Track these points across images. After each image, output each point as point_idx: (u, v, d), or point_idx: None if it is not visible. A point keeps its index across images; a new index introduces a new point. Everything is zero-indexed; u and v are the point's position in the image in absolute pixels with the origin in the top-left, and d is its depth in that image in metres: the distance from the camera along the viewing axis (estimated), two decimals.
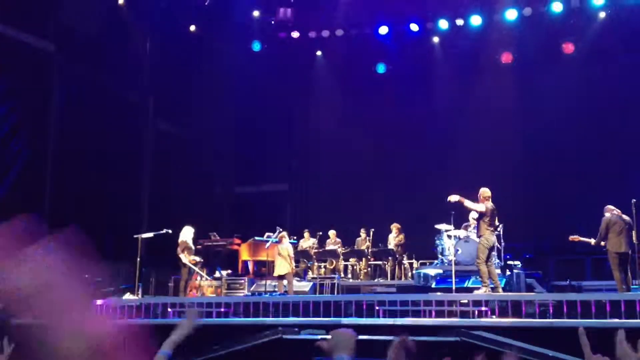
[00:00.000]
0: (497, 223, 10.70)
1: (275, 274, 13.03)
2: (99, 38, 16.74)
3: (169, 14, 18.29)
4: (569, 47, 17.36)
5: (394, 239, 14.78)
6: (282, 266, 12.79)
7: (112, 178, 16.90)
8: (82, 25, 16.56)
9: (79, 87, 16.65)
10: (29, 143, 15.76)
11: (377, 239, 15.25)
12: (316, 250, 15.07)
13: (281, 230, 14.11)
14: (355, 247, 15.22)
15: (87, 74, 16.75)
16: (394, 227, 14.86)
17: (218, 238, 15.35)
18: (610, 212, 10.68)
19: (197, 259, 13.11)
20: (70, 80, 16.62)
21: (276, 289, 13.20)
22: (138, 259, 12.65)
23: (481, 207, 10.42)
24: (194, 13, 18.72)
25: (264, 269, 14.62)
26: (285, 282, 12.85)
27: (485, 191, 10.59)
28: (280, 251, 12.86)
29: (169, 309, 11.25)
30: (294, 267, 13.10)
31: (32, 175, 15.73)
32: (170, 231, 13.21)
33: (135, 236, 13.04)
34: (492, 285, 10.35)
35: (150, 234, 13.36)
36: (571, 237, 11.12)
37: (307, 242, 15.50)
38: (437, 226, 13.50)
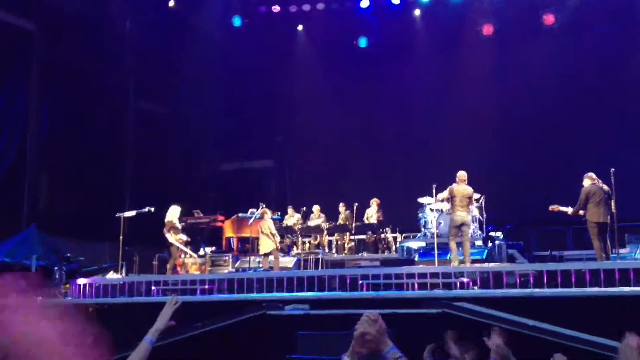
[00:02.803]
0: (468, 201, 11.26)
1: (261, 252, 13.03)
2: (80, 17, 16.48)
3: None
4: (549, 19, 17.35)
5: (375, 213, 14.82)
6: (266, 244, 12.80)
7: (94, 157, 16.78)
8: (63, 4, 16.28)
9: (60, 66, 16.42)
10: (8, 123, 15.56)
11: (360, 214, 15.28)
12: (300, 226, 15.09)
13: (264, 206, 14.09)
14: (340, 221, 15.24)
15: (67, 53, 16.51)
16: (374, 201, 14.91)
17: (201, 215, 15.32)
18: (591, 180, 10.76)
19: (184, 237, 13.08)
20: (51, 59, 16.37)
21: (260, 265, 13.23)
22: (121, 238, 12.59)
23: (444, 194, 11.34)
24: None
25: (247, 246, 14.64)
26: (271, 257, 12.87)
27: (460, 174, 11.27)
28: (262, 229, 12.85)
29: (153, 287, 11.24)
30: (278, 243, 13.11)
31: (12, 155, 15.56)
32: (152, 209, 13.15)
33: (117, 215, 12.96)
34: (460, 258, 10.83)
35: (132, 213, 13.28)
36: (551, 207, 11.23)
37: (292, 218, 15.50)
38: (420, 199, 13.56)
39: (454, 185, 11.21)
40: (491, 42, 17.94)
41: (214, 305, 10.09)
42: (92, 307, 10.73)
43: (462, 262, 10.84)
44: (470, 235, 12.68)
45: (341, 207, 15.30)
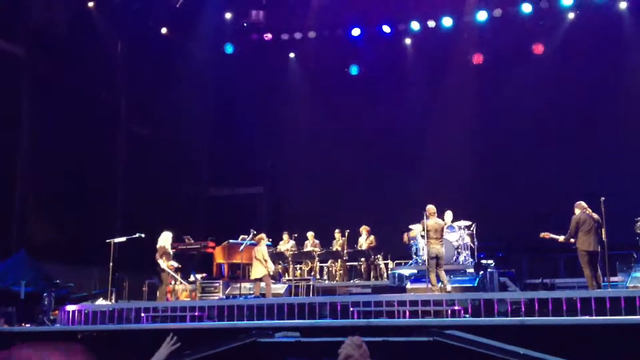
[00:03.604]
0: (441, 233, 11.63)
1: (252, 277, 12.96)
2: (69, 40, 16.56)
3: (141, 16, 18.16)
4: (538, 48, 17.59)
5: (365, 241, 14.81)
6: (258, 269, 12.74)
7: (84, 181, 16.71)
8: (51, 28, 16.36)
9: (49, 90, 16.43)
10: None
11: (352, 240, 15.26)
12: (291, 252, 15.03)
13: (255, 232, 14.05)
14: (334, 248, 15.19)
15: (57, 77, 16.54)
16: (364, 229, 14.90)
17: (192, 241, 15.22)
18: (581, 209, 10.83)
19: (175, 264, 13.00)
20: (41, 83, 16.39)
21: (252, 292, 13.14)
22: (111, 264, 12.50)
23: (419, 230, 11.99)
24: (165, 15, 18.58)
25: (238, 272, 14.55)
26: (263, 284, 12.79)
27: (429, 208, 11.55)
28: (256, 254, 12.80)
29: (143, 314, 11.14)
30: (270, 270, 13.05)
31: (2, 180, 15.49)
32: (143, 235, 13.08)
33: (107, 240, 12.88)
34: (440, 285, 11.20)
35: (123, 239, 13.20)
36: (542, 234, 11.28)
37: (286, 244, 15.43)
38: (412, 226, 13.56)
39: (426, 220, 11.48)
40: (481, 71, 18.13)
41: (204, 332, 10.00)
42: (80, 334, 10.60)
43: (443, 289, 11.08)
44: (461, 262, 12.75)
45: (337, 234, 15.27)
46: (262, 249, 12.87)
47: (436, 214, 11.60)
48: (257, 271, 12.76)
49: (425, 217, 11.46)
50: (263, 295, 12.56)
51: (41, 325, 11.72)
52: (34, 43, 16.28)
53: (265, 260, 12.75)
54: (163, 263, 12.56)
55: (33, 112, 16.30)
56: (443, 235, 11.76)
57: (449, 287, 11.13)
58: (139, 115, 18.98)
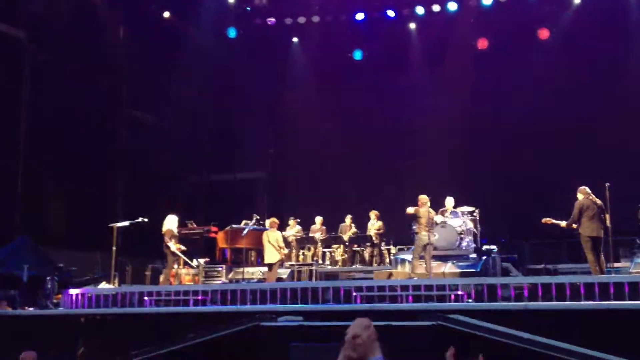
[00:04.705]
0: (433, 223, 12.01)
1: (267, 261, 12.90)
2: (71, 26, 16.45)
3: (142, 1, 18.02)
4: (544, 33, 17.46)
5: (373, 226, 14.77)
6: (272, 254, 12.68)
7: (86, 167, 16.69)
8: (52, 12, 16.25)
9: (51, 76, 16.36)
10: (0, 132, 15.49)
11: (357, 226, 15.23)
12: (294, 237, 15.02)
13: (258, 217, 14.04)
14: (340, 233, 15.16)
15: (58, 62, 16.48)
16: (373, 213, 14.86)
17: (195, 226, 15.24)
18: (585, 194, 10.78)
19: (183, 247, 13.02)
20: (42, 69, 16.32)
21: (253, 276, 13.15)
22: (114, 248, 12.50)
23: (410, 209, 11.95)
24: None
25: (241, 257, 14.56)
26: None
27: (421, 197, 11.91)
28: (270, 239, 12.74)
29: (146, 298, 11.15)
30: (283, 255, 13.03)
31: (3, 165, 15.47)
32: (146, 220, 13.08)
33: (110, 225, 12.88)
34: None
35: (126, 223, 13.22)
36: (544, 220, 11.24)
37: (293, 229, 15.39)
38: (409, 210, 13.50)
39: (419, 207, 11.81)
40: (486, 56, 18.01)
41: (206, 316, 10.01)
42: (83, 318, 10.62)
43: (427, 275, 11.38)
44: (464, 247, 12.74)
45: (347, 219, 15.24)
46: (276, 235, 12.82)
47: (428, 204, 11.90)
48: (271, 256, 12.71)
49: (418, 206, 11.77)
50: (264, 280, 12.56)
51: (44, 309, 11.76)
52: (34, 28, 16.19)
53: (280, 247, 12.72)
54: (173, 246, 12.58)
55: (34, 96, 16.25)
56: (433, 225, 12.06)
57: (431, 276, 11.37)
58: (141, 100, 18.91)
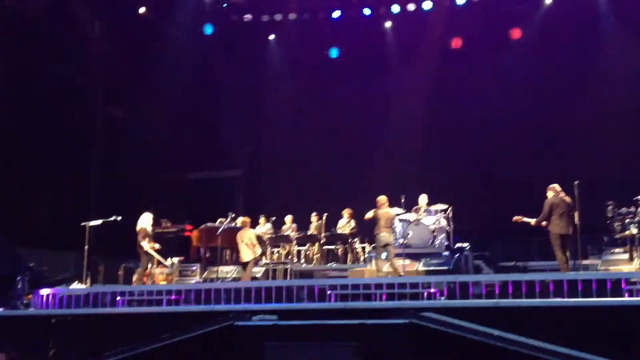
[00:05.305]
0: (392, 223, 12.32)
1: (243, 260, 12.88)
2: (44, 21, 16.23)
3: None
4: (516, 33, 17.66)
5: (346, 224, 14.78)
6: (246, 253, 12.68)
7: (60, 165, 16.49)
8: (26, 6, 16.01)
9: (23, 71, 16.13)
10: None
11: (330, 223, 15.25)
12: (269, 236, 15.00)
13: (234, 216, 13.98)
14: (310, 232, 15.17)
15: (31, 58, 16.22)
16: (346, 212, 14.88)
17: (169, 225, 15.12)
18: (554, 192, 10.96)
19: (157, 246, 12.89)
20: (14, 64, 16.08)
21: (228, 275, 13.11)
22: (86, 247, 12.38)
23: (369, 214, 12.21)
24: None
25: (215, 255, 14.50)
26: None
27: (379, 199, 12.18)
28: (243, 238, 12.73)
29: (119, 298, 11.07)
30: (257, 254, 13.02)
31: None
32: (119, 218, 12.96)
33: (83, 224, 12.74)
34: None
35: (98, 222, 13.08)
36: (515, 218, 11.40)
37: (263, 227, 15.38)
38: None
39: (378, 209, 12.04)
40: (460, 54, 18.17)
41: (180, 316, 9.98)
42: (54, 319, 10.51)
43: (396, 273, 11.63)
44: (437, 245, 12.86)
45: (313, 217, 15.23)
46: (249, 233, 12.81)
47: (387, 204, 12.21)
48: (245, 255, 12.70)
49: (377, 208, 12.01)
50: (239, 279, 12.54)
51: (14, 309, 11.60)
52: (6, 24, 15.92)
53: (254, 245, 12.72)
54: (147, 245, 12.46)
55: (6, 95, 16.00)
56: (392, 225, 12.35)
57: (402, 272, 11.61)
58: (116, 97, 18.72)
